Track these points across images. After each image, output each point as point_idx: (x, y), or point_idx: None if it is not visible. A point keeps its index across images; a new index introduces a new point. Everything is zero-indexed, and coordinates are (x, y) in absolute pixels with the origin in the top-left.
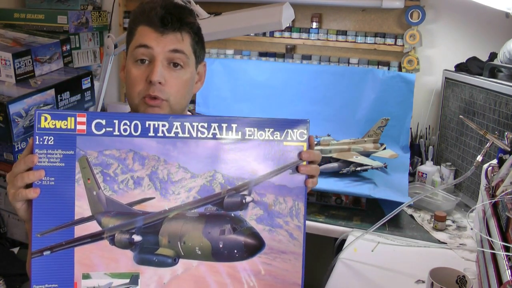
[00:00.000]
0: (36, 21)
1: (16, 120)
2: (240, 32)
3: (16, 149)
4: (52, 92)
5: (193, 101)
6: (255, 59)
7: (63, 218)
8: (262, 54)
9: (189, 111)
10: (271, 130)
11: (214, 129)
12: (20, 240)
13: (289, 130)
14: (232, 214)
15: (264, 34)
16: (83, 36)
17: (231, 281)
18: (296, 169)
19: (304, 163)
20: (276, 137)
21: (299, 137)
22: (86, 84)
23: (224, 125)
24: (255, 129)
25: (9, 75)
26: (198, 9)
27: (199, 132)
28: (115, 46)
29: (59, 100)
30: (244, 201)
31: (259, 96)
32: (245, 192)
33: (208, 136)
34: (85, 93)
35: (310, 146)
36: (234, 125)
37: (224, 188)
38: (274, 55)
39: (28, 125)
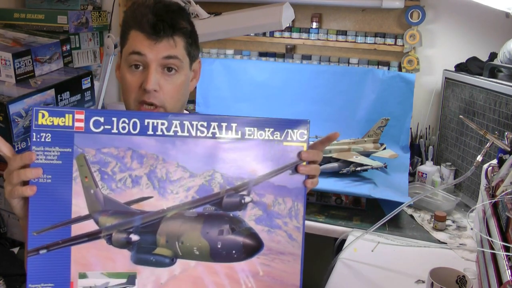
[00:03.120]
0: (36, 21)
1: (16, 120)
2: (240, 32)
3: (16, 149)
4: (52, 92)
5: (193, 101)
6: (255, 59)
7: (59, 217)
8: (262, 54)
9: (188, 110)
10: (271, 130)
11: (214, 128)
12: (20, 240)
13: (289, 130)
14: (231, 214)
15: (264, 34)
16: (83, 36)
17: (229, 282)
18: (296, 170)
19: (304, 163)
20: (276, 137)
21: (299, 137)
22: (86, 84)
23: (224, 124)
24: (255, 128)
25: (9, 75)
26: (198, 9)
27: (198, 131)
28: (115, 46)
29: (59, 100)
30: (243, 201)
31: (259, 96)
32: (244, 192)
33: (207, 135)
34: (85, 93)
35: (314, 144)
36: (233, 125)
37: (223, 188)
38: (274, 55)
39: (28, 125)
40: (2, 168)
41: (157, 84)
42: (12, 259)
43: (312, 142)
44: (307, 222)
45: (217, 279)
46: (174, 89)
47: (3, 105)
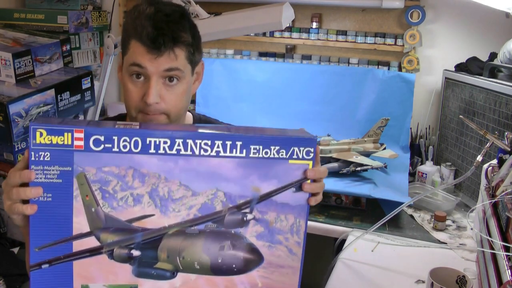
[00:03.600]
0: (36, 21)
1: (16, 120)
2: (240, 32)
3: (16, 149)
4: (52, 92)
5: (193, 101)
6: (255, 59)
7: (61, 234)
8: (262, 54)
9: (188, 110)
10: (277, 148)
11: (218, 146)
12: (20, 240)
13: (296, 148)
14: (232, 231)
15: (264, 34)
16: (83, 36)
17: None
18: (300, 187)
19: (309, 181)
20: (282, 155)
21: (305, 155)
22: (86, 84)
23: (229, 143)
24: (260, 147)
25: (9, 75)
26: (198, 9)
27: (202, 150)
28: (115, 46)
29: (59, 100)
30: (245, 219)
31: (259, 96)
32: (247, 210)
33: (211, 154)
34: (85, 93)
35: (315, 160)
36: (238, 143)
37: (225, 206)
38: (274, 55)
39: (28, 125)
40: (2, 168)
41: (158, 96)
42: (12, 259)
43: None
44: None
45: None
46: (176, 98)
47: (3, 105)
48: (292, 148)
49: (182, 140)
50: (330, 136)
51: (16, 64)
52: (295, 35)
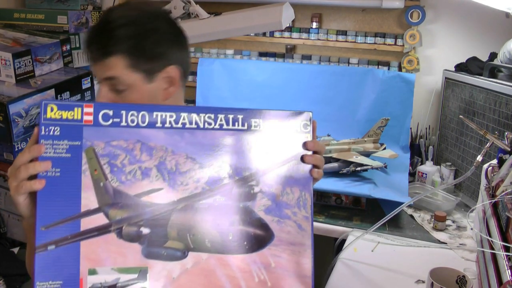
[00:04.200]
0: (36, 21)
1: (16, 120)
2: (240, 32)
3: (16, 149)
4: (52, 92)
5: (193, 101)
6: (255, 59)
7: (69, 211)
8: (262, 54)
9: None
10: (276, 121)
11: (221, 120)
12: (20, 240)
13: (293, 121)
14: (241, 205)
15: (264, 34)
16: (83, 36)
17: (242, 275)
18: (302, 160)
19: (310, 153)
20: (281, 128)
21: (303, 128)
22: (86, 84)
23: (230, 116)
24: (261, 120)
25: (9, 75)
26: (198, 9)
27: (206, 123)
28: None
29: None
30: (252, 191)
31: (259, 96)
32: (253, 183)
33: (215, 127)
34: (85, 93)
35: (313, 136)
36: (240, 116)
37: (232, 179)
38: (274, 55)
39: (28, 125)
40: (2, 168)
41: (111, 101)
42: (12, 259)
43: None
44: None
45: (229, 272)
46: None
47: (3, 105)
48: (290, 121)
49: (187, 113)
50: (330, 136)
51: (16, 64)
52: (295, 35)
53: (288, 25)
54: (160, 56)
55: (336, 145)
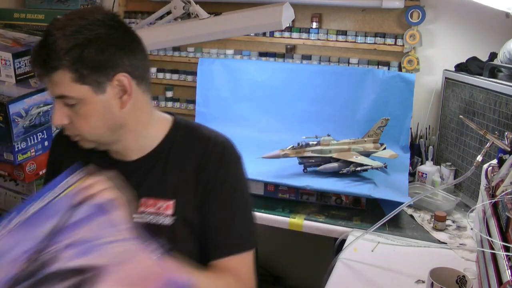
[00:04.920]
0: (36, 21)
1: (16, 120)
2: (240, 32)
3: (16, 149)
4: None
5: (193, 101)
6: (255, 59)
7: None
8: (262, 54)
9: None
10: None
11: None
12: None
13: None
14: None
15: (264, 34)
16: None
17: None
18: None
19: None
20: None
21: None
22: None
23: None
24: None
25: (9, 75)
26: (198, 9)
27: None
28: None
29: None
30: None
31: (259, 96)
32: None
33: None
34: None
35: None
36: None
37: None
38: (274, 55)
39: (28, 125)
40: (2, 168)
41: (65, 117)
42: None
43: None
44: (308, 222)
45: None
46: (83, 120)
47: (3, 105)
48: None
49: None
50: (330, 136)
51: (16, 64)
52: (295, 35)
53: (288, 25)
54: (105, 65)
55: (336, 145)
